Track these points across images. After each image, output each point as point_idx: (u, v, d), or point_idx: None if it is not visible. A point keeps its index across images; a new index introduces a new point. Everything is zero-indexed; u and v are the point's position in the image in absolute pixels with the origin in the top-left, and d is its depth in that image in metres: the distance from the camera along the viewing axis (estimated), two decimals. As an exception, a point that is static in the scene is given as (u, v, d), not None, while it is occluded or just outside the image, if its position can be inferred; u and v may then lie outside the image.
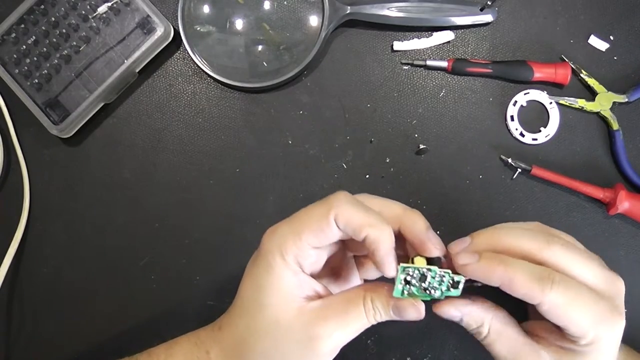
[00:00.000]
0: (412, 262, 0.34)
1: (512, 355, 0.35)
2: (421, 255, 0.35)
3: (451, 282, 0.34)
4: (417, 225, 0.35)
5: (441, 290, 0.35)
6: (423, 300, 0.35)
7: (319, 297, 0.35)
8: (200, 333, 0.39)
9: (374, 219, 0.33)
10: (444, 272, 0.34)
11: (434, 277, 0.34)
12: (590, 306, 0.33)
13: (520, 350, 0.35)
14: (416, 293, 0.34)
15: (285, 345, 0.34)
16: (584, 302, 0.33)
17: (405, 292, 0.34)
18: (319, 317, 0.34)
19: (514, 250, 0.34)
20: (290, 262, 0.34)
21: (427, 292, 0.34)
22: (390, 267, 0.34)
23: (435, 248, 0.34)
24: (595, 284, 0.34)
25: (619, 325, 0.34)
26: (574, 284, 0.33)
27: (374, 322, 0.34)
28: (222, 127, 0.53)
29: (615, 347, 0.34)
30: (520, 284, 0.32)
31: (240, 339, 0.36)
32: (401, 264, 0.33)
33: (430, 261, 0.35)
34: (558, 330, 0.34)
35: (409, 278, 0.34)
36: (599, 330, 0.33)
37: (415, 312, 0.34)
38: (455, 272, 0.34)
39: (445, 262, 0.36)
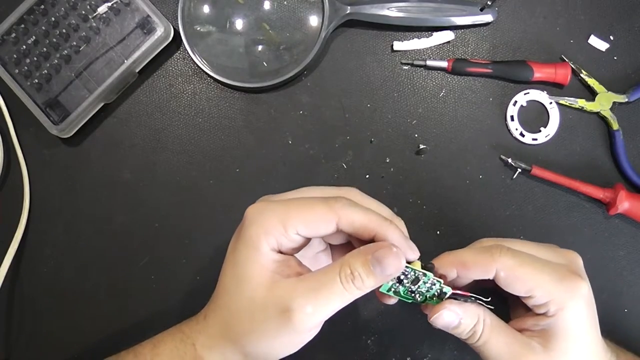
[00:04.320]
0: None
1: (507, 351, 0.35)
2: (418, 261, 0.35)
3: (439, 291, 0.35)
4: (404, 230, 0.36)
5: (425, 296, 0.36)
6: (405, 300, 0.36)
7: (298, 274, 0.35)
8: (183, 327, 0.39)
9: (376, 220, 0.34)
10: (437, 280, 0.35)
11: (425, 283, 0.35)
12: (545, 267, 0.35)
13: (513, 343, 0.35)
14: (401, 293, 0.36)
15: (262, 321, 0.33)
16: (537, 264, 0.35)
17: (392, 290, 0.35)
18: (291, 291, 0.33)
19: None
20: (271, 241, 0.34)
21: (412, 294, 0.36)
22: (410, 253, 0.35)
23: (413, 252, 0.35)
24: (544, 256, 0.36)
25: (582, 288, 0.35)
26: (521, 252, 0.35)
27: (356, 291, 0.33)
28: (222, 127, 0.53)
29: (588, 319, 0.35)
30: (471, 261, 0.35)
31: (223, 321, 0.36)
32: None
33: (425, 268, 0.35)
34: (532, 314, 0.36)
35: (402, 277, 0.35)
36: (561, 292, 0.34)
37: (396, 259, 0.33)
38: (446, 284, 0.35)
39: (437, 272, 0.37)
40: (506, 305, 0.41)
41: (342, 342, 0.50)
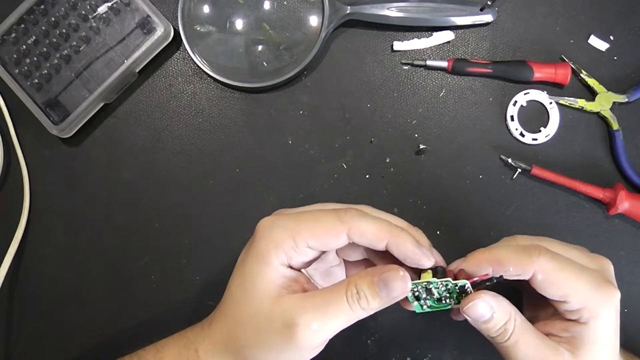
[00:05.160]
0: (419, 278, 0.35)
1: (536, 355, 0.34)
2: (429, 269, 0.35)
3: (457, 287, 0.35)
4: (421, 240, 0.36)
5: (453, 297, 0.35)
6: (443, 310, 0.36)
7: (305, 291, 0.35)
8: (188, 333, 0.39)
9: (387, 228, 0.34)
10: (445, 281, 0.34)
11: (437, 287, 0.35)
12: (583, 273, 0.34)
13: (542, 347, 0.34)
14: (434, 305, 0.36)
15: (267, 335, 0.33)
16: (575, 269, 0.34)
17: (425, 307, 0.36)
18: (298, 307, 0.33)
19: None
20: (281, 256, 0.34)
21: (443, 301, 0.35)
22: (425, 260, 0.34)
23: (428, 259, 0.35)
24: (579, 260, 0.35)
25: (616, 297, 0.34)
26: (560, 255, 0.34)
27: (361, 311, 0.33)
28: (222, 127, 0.53)
29: (616, 329, 0.35)
30: (509, 260, 0.34)
31: (228, 330, 0.36)
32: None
33: (435, 274, 0.35)
34: (560, 318, 0.35)
35: (417, 294, 0.35)
36: (597, 300, 0.33)
37: (402, 282, 0.33)
38: (455, 279, 0.35)
39: (452, 272, 0.36)
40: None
41: (342, 342, 0.50)
